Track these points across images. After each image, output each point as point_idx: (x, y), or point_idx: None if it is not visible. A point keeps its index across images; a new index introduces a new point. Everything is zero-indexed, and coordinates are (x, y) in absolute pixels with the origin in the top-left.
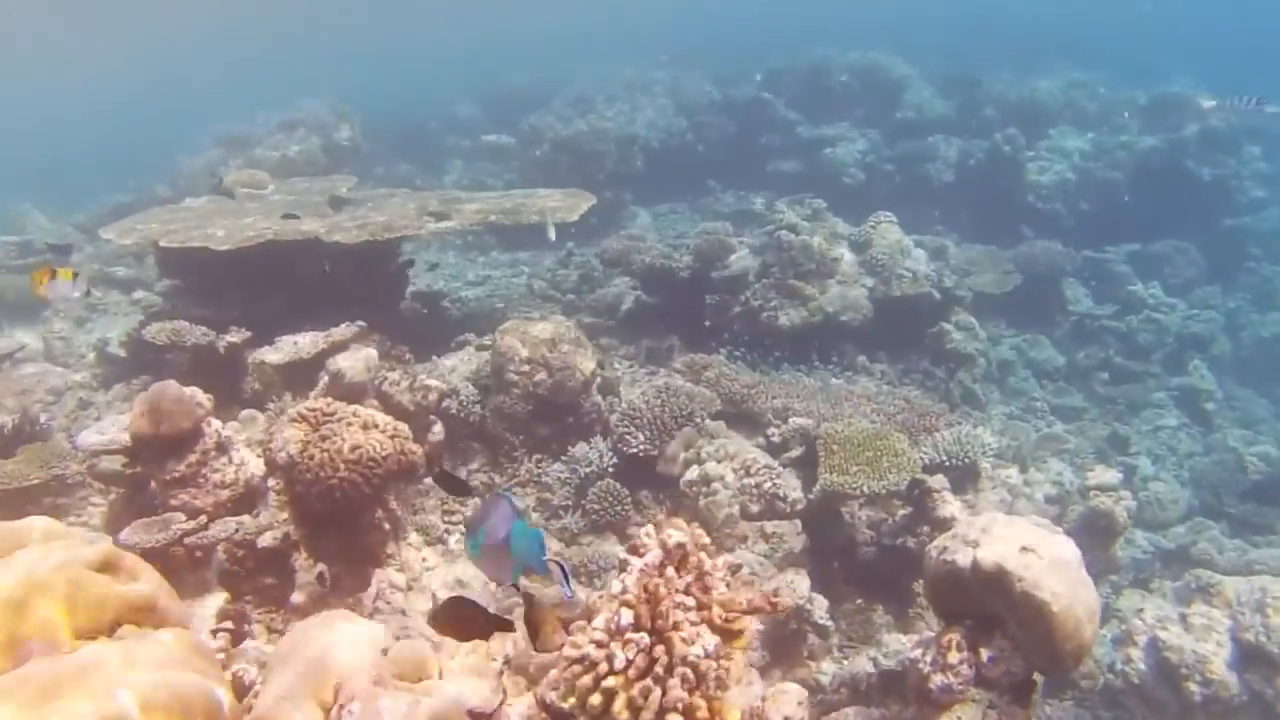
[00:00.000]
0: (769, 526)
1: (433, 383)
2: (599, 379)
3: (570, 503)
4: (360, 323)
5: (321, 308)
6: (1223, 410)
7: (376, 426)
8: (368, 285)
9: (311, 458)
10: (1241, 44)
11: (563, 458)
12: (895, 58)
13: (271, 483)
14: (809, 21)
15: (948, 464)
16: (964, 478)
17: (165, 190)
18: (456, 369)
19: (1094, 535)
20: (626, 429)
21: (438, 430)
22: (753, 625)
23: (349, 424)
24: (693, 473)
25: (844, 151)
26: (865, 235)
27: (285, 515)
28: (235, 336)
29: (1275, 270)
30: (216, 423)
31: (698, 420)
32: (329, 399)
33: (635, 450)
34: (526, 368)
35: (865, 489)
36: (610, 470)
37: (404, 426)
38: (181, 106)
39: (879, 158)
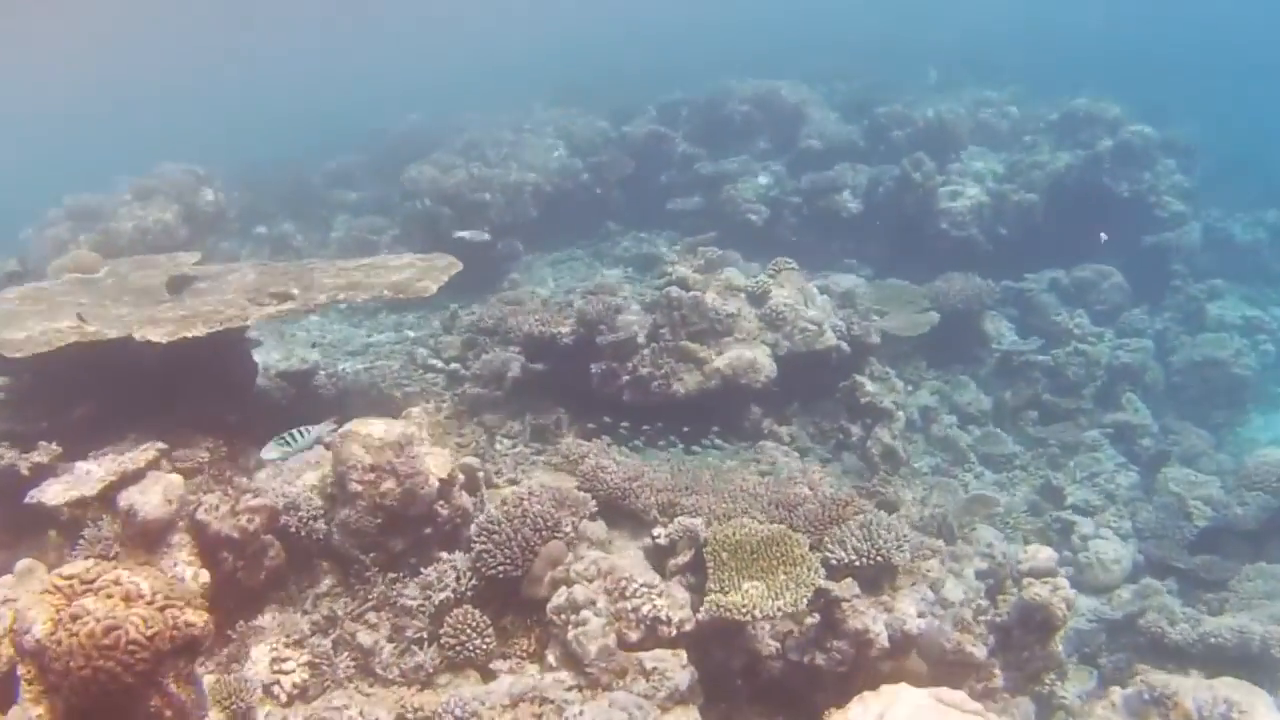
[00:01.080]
0: (649, 660)
1: (261, 502)
2: (462, 479)
3: (425, 634)
4: (159, 444)
5: (148, 411)
6: (1160, 445)
7: (141, 597)
8: (204, 379)
9: (60, 643)
10: (1144, 54)
11: (416, 579)
12: (797, 83)
13: (21, 670)
14: (709, 50)
15: (859, 564)
16: (879, 575)
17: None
18: (304, 475)
19: (1031, 630)
20: (485, 546)
21: (274, 555)
22: None
23: (108, 596)
24: (560, 596)
25: (746, 187)
26: (763, 286)
27: (40, 710)
28: (42, 455)
29: (1201, 287)
30: None
31: (567, 530)
32: (93, 561)
33: (495, 571)
34: (371, 476)
35: (758, 612)
36: (470, 594)
37: (185, 588)
38: (34, 172)
39: (783, 191)
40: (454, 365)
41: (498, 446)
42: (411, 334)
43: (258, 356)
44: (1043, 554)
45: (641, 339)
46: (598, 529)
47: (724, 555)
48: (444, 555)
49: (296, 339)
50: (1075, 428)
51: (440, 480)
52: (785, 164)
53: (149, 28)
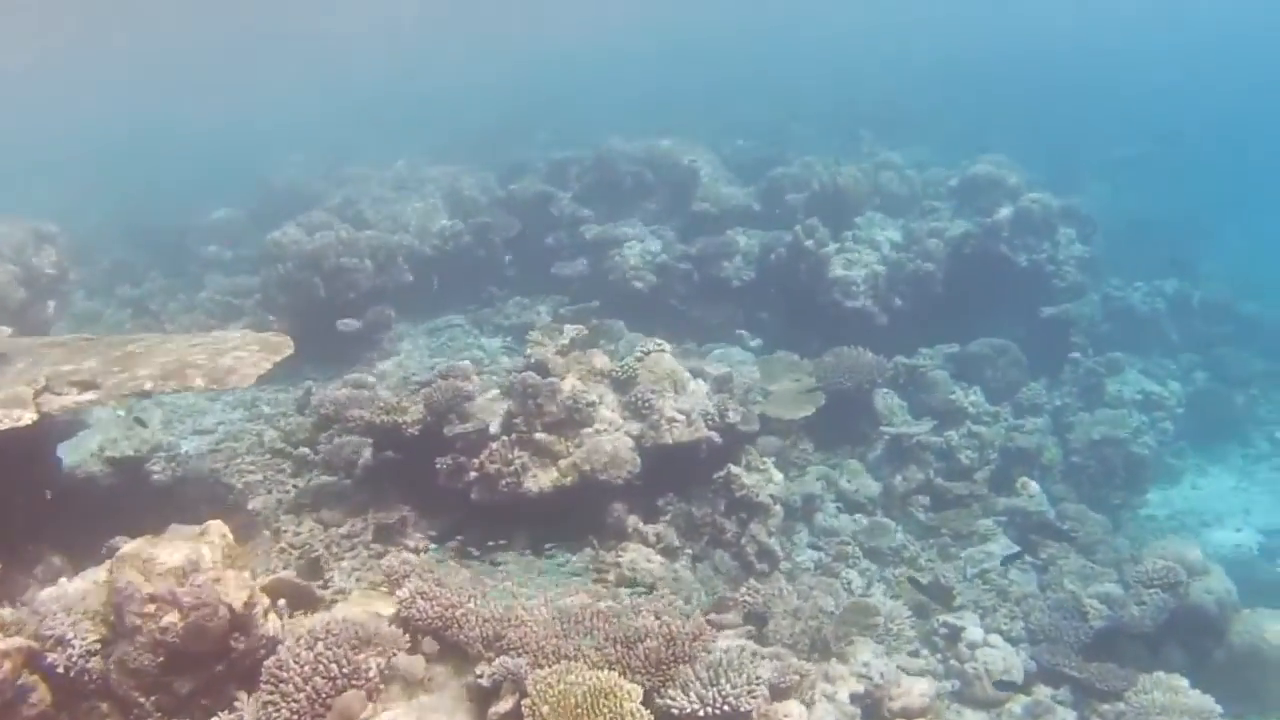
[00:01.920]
0: None
1: (13, 643)
2: (265, 604)
3: None
4: None
5: None
6: (1056, 534)
7: None
8: None
9: None
10: (1054, 116)
11: None
12: (692, 143)
13: None
14: (612, 102)
15: (703, 714)
16: None
17: None
18: (86, 598)
19: None
20: (271, 696)
21: (36, 701)
22: None
23: None
24: None
25: (633, 253)
26: (629, 371)
27: None
28: None
29: (1099, 361)
30: None
31: (370, 675)
32: None
33: None
34: (150, 608)
35: None
36: None
37: None
38: None
39: (672, 257)
40: (303, 449)
41: (333, 550)
42: (267, 409)
43: (88, 436)
44: (917, 689)
45: (496, 429)
46: (414, 665)
47: (544, 710)
48: (242, 696)
49: (146, 413)
50: (968, 515)
51: (238, 608)
52: (676, 228)
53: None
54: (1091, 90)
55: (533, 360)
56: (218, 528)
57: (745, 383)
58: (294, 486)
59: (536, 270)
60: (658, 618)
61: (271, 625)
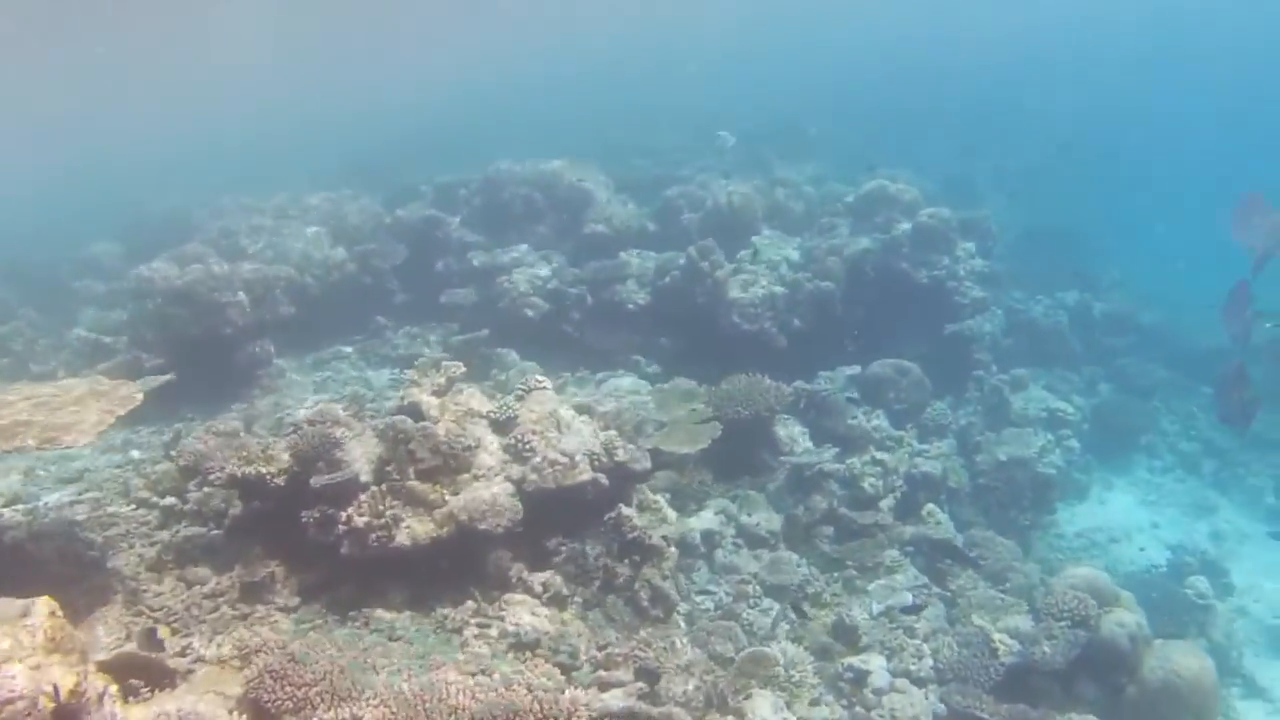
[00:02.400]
0: None
1: None
2: (100, 691)
3: None
4: None
5: None
6: (964, 562)
7: None
8: None
9: None
10: (954, 124)
11: None
12: (584, 164)
13: None
14: (506, 122)
15: None
16: None
17: None
18: None
19: None
20: None
21: None
22: None
23: None
24: None
25: (522, 278)
26: (509, 411)
27: None
28: None
29: (1003, 378)
30: None
31: None
32: None
33: None
34: None
35: None
36: None
37: None
38: None
39: (564, 281)
40: (169, 499)
41: (193, 612)
42: (136, 454)
43: None
44: None
45: (367, 477)
46: None
47: None
48: None
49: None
50: (874, 546)
51: (62, 697)
52: (569, 251)
53: None
54: (992, 105)
55: (406, 402)
56: (44, 605)
57: (638, 416)
58: (158, 541)
59: (427, 298)
60: (531, 692)
61: (108, 712)
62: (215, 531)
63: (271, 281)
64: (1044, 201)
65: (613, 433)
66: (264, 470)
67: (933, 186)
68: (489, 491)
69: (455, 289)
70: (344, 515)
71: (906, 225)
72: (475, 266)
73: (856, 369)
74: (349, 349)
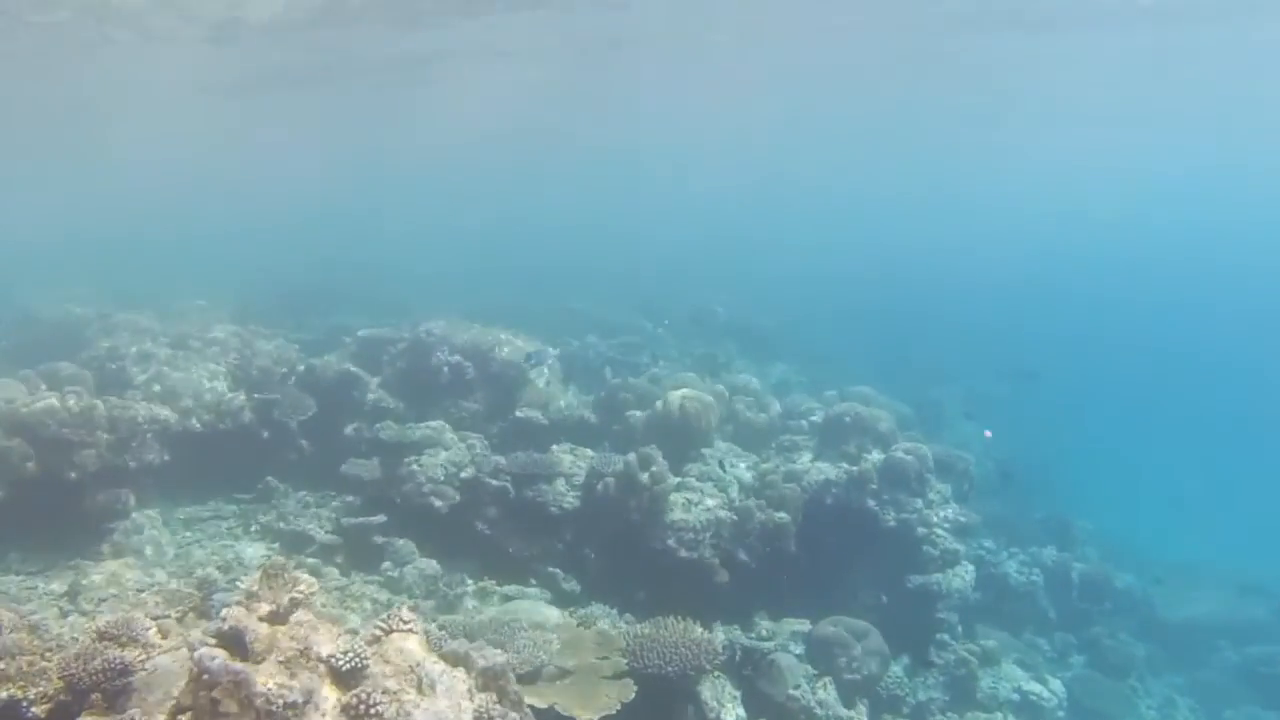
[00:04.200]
0: None
1: None
2: None
3: None
4: None
5: None
6: None
7: None
8: None
9: None
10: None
11: None
12: (528, 337)
13: None
14: (450, 276)
15: None
16: None
17: None
18: None
19: None
20: None
21: None
22: None
23: None
24: None
25: (434, 462)
26: (357, 659)
27: None
28: None
29: (972, 648)
30: None
31: None
32: None
33: None
34: None
35: None
36: None
37: None
38: None
39: (483, 470)
40: None
41: None
42: None
43: None
44: None
45: None
46: None
47: None
48: None
49: None
50: None
51: None
52: (496, 435)
53: None
54: (960, 317)
55: (228, 627)
56: None
57: (535, 660)
58: None
59: (332, 462)
60: None
61: None
62: None
63: (143, 423)
64: (1012, 433)
65: (490, 697)
66: (22, 696)
67: (901, 404)
68: None
69: (360, 460)
70: None
71: (877, 456)
72: (384, 439)
73: (805, 625)
74: (231, 510)
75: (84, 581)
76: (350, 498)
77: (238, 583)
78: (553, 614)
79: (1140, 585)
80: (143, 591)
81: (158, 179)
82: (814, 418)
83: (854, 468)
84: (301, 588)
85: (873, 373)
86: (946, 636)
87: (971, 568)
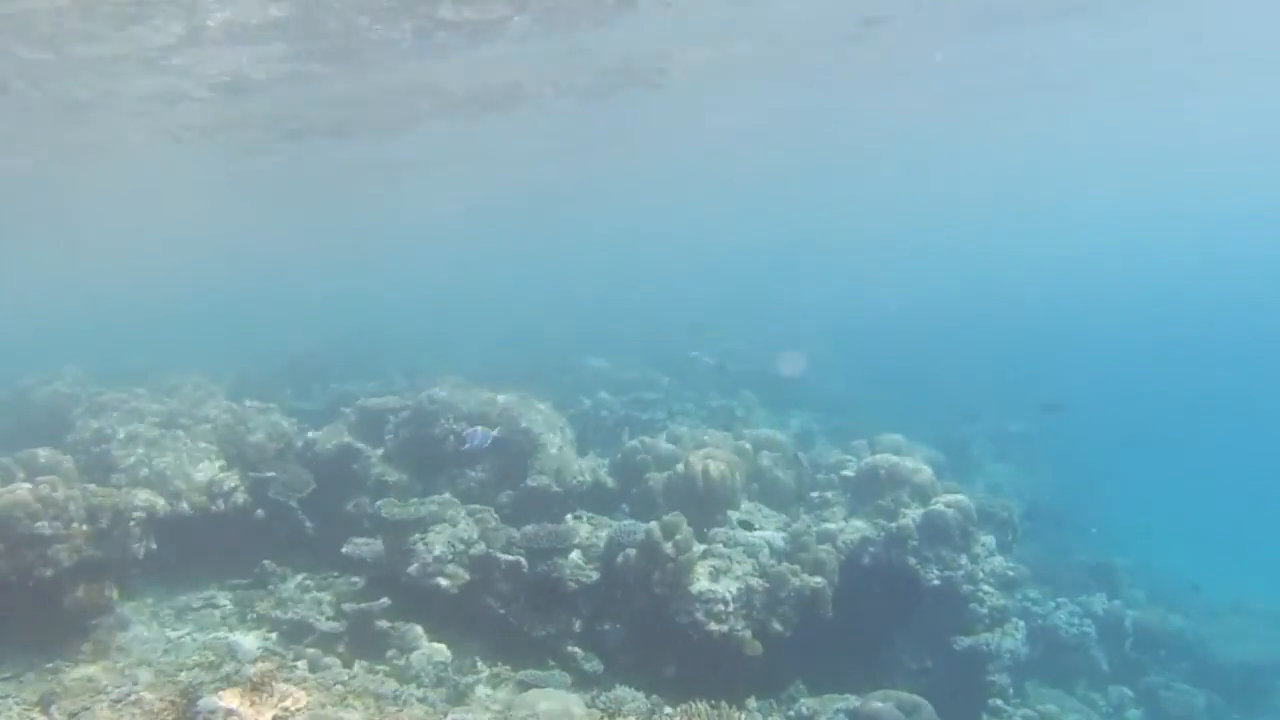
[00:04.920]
0: None
1: None
2: None
3: None
4: None
5: None
6: None
7: None
8: None
9: None
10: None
11: None
12: (535, 401)
13: None
14: (456, 343)
15: None
16: None
17: None
18: None
19: None
20: None
21: None
22: None
23: None
24: None
25: (439, 539)
26: None
27: None
28: None
29: (1029, 713)
30: None
31: None
32: None
33: None
34: None
35: None
36: None
37: None
38: None
39: (493, 545)
40: None
41: None
42: None
43: None
44: None
45: None
46: None
47: None
48: None
49: None
50: None
51: None
52: (507, 505)
53: None
54: (980, 353)
55: None
56: None
57: None
58: None
59: (333, 541)
60: None
61: None
62: None
63: (126, 510)
64: (1041, 471)
65: None
66: None
67: (929, 449)
68: None
69: (362, 539)
70: None
71: (917, 512)
72: (384, 518)
73: (852, 700)
74: (226, 597)
75: (58, 688)
76: (355, 578)
77: (231, 680)
78: (576, 707)
79: (1192, 627)
80: (119, 703)
81: (154, 254)
82: (845, 471)
83: (892, 524)
84: (288, 703)
85: (894, 415)
86: (1000, 701)
87: (1022, 624)
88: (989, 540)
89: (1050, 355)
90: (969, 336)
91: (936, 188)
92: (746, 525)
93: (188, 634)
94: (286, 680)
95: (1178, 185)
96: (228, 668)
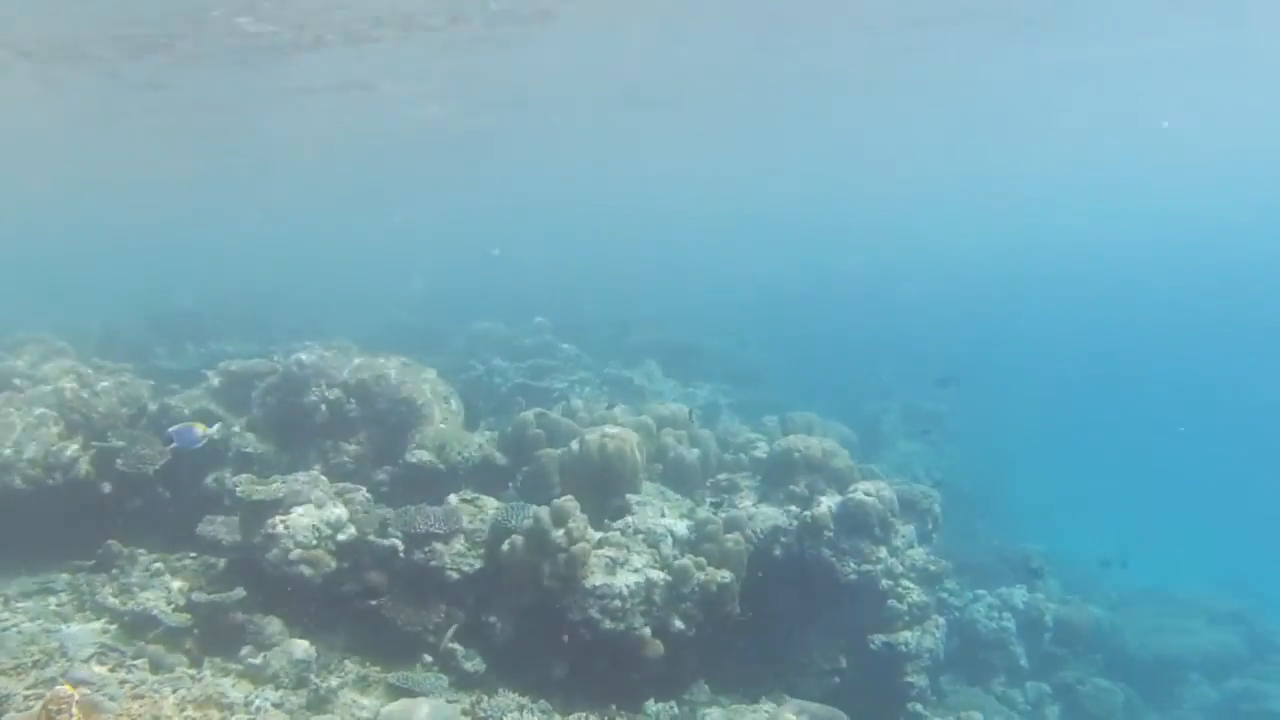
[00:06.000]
0: None
1: None
2: None
3: None
4: None
5: None
6: None
7: None
8: None
9: None
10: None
11: None
12: (421, 368)
13: None
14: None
15: None
16: None
17: None
18: None
19: None
20: None
21: None
22: None
23: None
24: None
25: (302, 524)
26: None
27: None
28: None
29: None
30: None
31: None
32: None
33: None
34: None
35: None
36: None
37: None
38: None
39: (364, 530)
40: None
41: None
42: None
43: None
44: None
45: None
46: None
47: None
48: None
49: None
50: None
51: None
52: (384, 484)
53: None
54: (891, 328)
55: None
56: None
57: None
58: None
59: (190, 518)
60: None
61: None
62: None
63: None
64: (951, 450)
65: None
66: None
67: (848, 432)
68: None
69: (218, 517)
70: None
71: (834, 500)
72: (239, 497)
73: (764, 713)
74: (62, 581)
75: None
76: (212, 560)
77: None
78: (451, 713)
79: (1106, 618)
80: None
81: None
82: (756, 452)
83: (806, 513)
84: None
85: (803, 388)
86: (919, 706)
87: (943, 622)
88: (909, 531)
89: (972, 333)
90: (887, 312)
91: (868, 157)
92: (647, 512)
93: (14, 625)
94: (109, 694)
95: (1107, 169)
96: (55, 667)
